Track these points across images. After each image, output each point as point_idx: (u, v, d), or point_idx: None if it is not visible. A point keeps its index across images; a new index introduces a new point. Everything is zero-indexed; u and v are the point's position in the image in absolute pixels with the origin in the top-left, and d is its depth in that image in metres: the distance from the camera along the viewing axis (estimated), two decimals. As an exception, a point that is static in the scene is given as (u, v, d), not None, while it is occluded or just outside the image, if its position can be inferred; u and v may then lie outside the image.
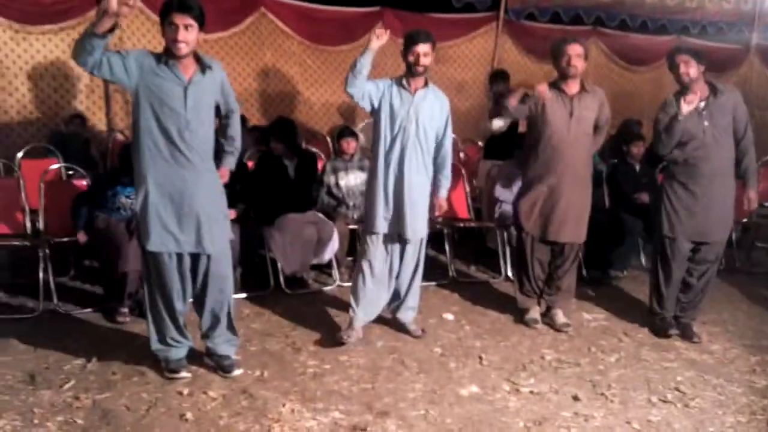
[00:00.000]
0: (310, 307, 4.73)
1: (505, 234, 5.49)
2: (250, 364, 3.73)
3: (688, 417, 3.48)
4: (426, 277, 4.49)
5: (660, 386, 3.80)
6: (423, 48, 3.82)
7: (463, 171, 5.89)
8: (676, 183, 4.34)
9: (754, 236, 6.68)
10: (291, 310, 4.64)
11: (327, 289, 5.10)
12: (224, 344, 3.62)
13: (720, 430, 3.36)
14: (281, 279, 4.93)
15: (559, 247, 4.48)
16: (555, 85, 4.31)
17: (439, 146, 4.03)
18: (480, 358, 4.05)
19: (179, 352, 3.56)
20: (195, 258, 3.38)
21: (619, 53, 8.48)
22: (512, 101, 4.31)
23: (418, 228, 4.02)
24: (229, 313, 3.57)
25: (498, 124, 5.68)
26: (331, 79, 7.13)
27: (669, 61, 4.28)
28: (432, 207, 4.13)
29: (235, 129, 3.67)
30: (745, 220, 6.30)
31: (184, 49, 3.12)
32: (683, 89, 4.24)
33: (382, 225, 3.98)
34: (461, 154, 6.77)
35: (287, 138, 5.04)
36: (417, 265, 4.18)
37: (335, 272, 5.18)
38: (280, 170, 5.04)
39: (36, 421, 3.04)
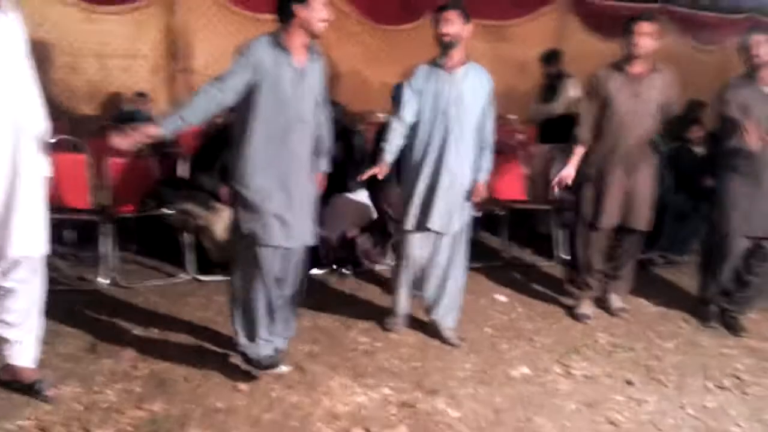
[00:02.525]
0: (364, 285, 4.78)
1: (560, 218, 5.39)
2: (301, 339, 3.79)
3: (744, 403, 3.41)
4: (479, 258, 4.46)
5: (717, 373, 3.72)
6: (447, 14, 3.56)
7: (520, 152, 5.83)
8: (737, 176, 4.14)
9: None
10: (345, 288, 4.71)
11: (380, 267, 5.11)
12: (285, 339, 3.49)
13: (777, 419, 3.28)
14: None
15: (620, 234, 4.32)
16: (618, 66, 4.15)
17: (481, 127, 3.74)
18: (531, 339, 4.04)
19: (268, 348, 3.32)
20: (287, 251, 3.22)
21: (688, 31, 8.18)
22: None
23: (453, 221, 3.76)
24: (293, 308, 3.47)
25: (556, 105, 5.57)
26: (390, 59, 7.09)
27: (740, 41, 4.11)
28: (471, 192, 3.82)
29: (327, 129, 3.38)
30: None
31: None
32: (750, 72, 4.07)
33: (413, 220, 3.76)
34: (520, 136, 6.67)
35: (336, 121, 5.04)
36: (453, 260, 3.86)
37: (388, 250, 5.20)
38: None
39: (96, 389, 3.17)
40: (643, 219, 4.25)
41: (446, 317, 3.94)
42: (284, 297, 3.31)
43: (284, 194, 3.10)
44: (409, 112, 3.69)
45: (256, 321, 3.23)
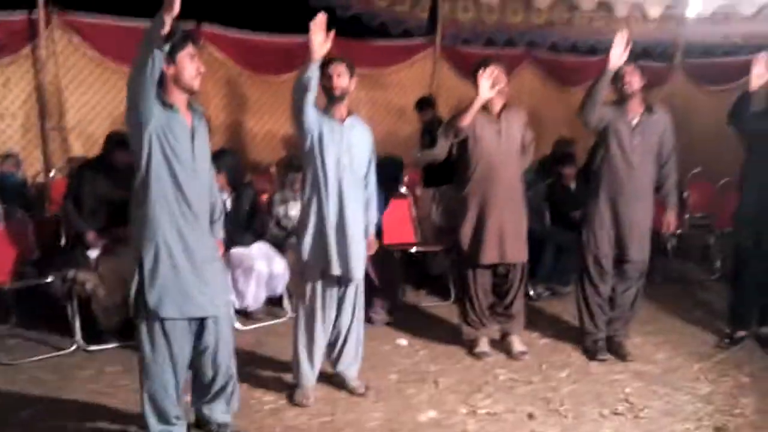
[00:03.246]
0: (263, 341, 4.70)
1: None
2: (205, 404, 3.67)
3: (638, 427, 3.61)
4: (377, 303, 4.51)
5: (610, 399, 3.92)
6: (337, 68, 3.64)
7: (408, 195, 5.98)
8: (600, 200, 4.42)
9: (687, 247, 6.97)
10: (244, 345, 4.59)
11: (279, 321, 5.06)
12: (223, 413, 3.31)
13: (670, 439, 3.50)
14: (232, 314, 4.87)
15: (503, 270, 4.47)
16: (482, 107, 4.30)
17: (367, 182, 3.83)
18: (436, 382, 4.10)
19: (182, 430, 3.15)
20: (202, 322, 3.07)
21: (551, 74, 8.77)
22: (467, 119, 4.22)
23: (360, 267, 3.77)
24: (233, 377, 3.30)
25: (438, 150, 5.76)
26: (273, 109, 7.15)
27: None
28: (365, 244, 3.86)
29: (216, 191, 3.28)
30: (679, 231, 6.57)
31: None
32: (620, 100, 4.35)
33: (322, 266, 3.69)
34: (405, 178, 6.85)
35: (230, 170, 5.00)
36: (356, 309, 3.87)
37: (286, 304, 5.16)
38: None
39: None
40: (519, 251, 4.42)
41: (351, 368, 3.94)
42: (213, 374, 3.15)
43: (188, 261, 2.96)
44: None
45: (167, 405, 3.04)
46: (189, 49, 2.91)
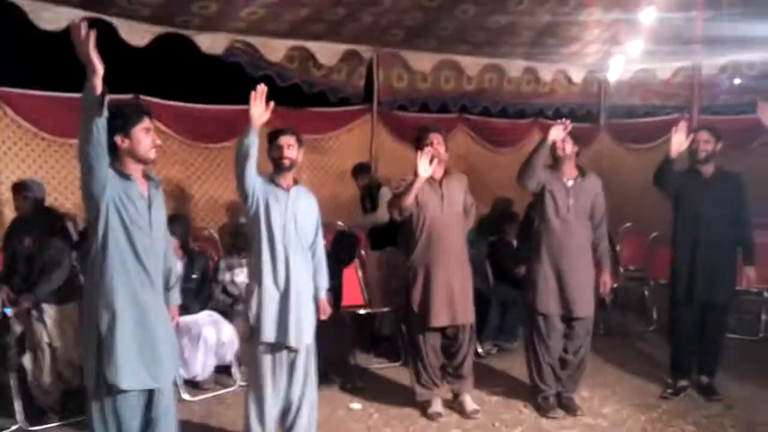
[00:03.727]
0: (213, 411, 4.60)
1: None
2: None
3: (593, 481, 3.67)
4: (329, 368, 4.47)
5: (563, 453, 3.98)
6: (287, 140, 3.74)
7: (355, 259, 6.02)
8: (544, 259, 4.56)
9: (624, 299, 7.21)
10: (192, 416, 4.48)
11: (229, 390, 4.95)
12: None
13: (624, 490, 3.57)
14: (180, 385, 4.74)
15: (452, 331, 4.52)
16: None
17: (314, 248, 3.89)
18: (391, 446, 4.09)
19: None
20: (150, 393, 2.99)
21: (484, 137, 9.07)
22: (410, 198, 4.34)
23: (308, 333, 3.79)
24: None
25: (381, 215, 5.92)
26: (214, 176, 7.13)
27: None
28: (316, 309, 3.89)
29: (171, 258, 3.30)
30: (615, 285, 6.80)
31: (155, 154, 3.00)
32: (555, 164, 4.57)
33: (270, 333, 3.67)
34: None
35: (181, 236, 4.97)
36: (307, 375, 3.83)
37: (235, 372, 5.06)
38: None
39: None
40: (466, 312, 4.50)
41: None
42: None
43: (145, 329, 2.91)
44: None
45: None
46: (144, 123, 2.95)
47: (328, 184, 7.74)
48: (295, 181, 3.85)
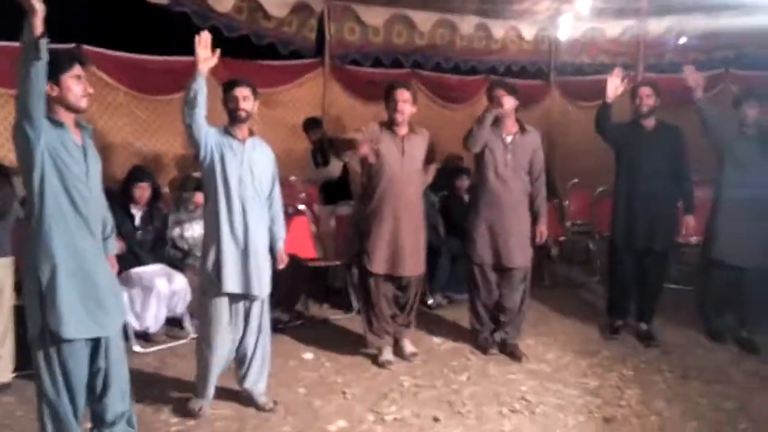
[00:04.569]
0: (164, 363, 4.61)
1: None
2: (109, 430, 3.57)
3: (535, 423, 3.83)
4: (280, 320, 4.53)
5: (508, 398, 4.13)
6: (242, 91, 3.73)
7: (307, 211, 6.04)
8: (480, 212, 4.74)
9: (570, 252, 7.42)
10: (145, 368, 4.49)
11: (179, 343, 4.95)
12: None
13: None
14: (131, 337, 4.73)
15: (404, 281, 4.65)
16: (386, 126, 4.56)
17: (271, 199, 3.93)
18: (343, 392, 4.18)
19: None
20: (96, 343, 2.98)
21: (436, 93, 9.08)
22: (363, 149, 4.44)
23: (265, 284, 3.83)
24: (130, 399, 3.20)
25: (333, 169, 5.95)
26: (162, 129, 6.98)
27: (488, 94, 4.67)
28: (273, 259, 3.96)
29: (106, 207, 3.21)
30: (562, 238, 7.01)
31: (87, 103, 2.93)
32: (496, 120, 4.63)
33: (231, 284, 3.71)
34: (302, 195, 6.92)
35: (151, 185, 4.98)
36: (261, 325, 3.89)
37: (187, 324, 5.06)
38: (127, 224, 4.92)
39: None
40: (417, 265, 4.65)
41: (258, 384, 3.94)
42: (108, 397, 3.04)
43: (86, 279, 2.89)
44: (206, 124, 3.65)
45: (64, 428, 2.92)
46: (75, 70, 2.87)
47: (280, 138, 7.66)
48: (251, 133, 3.85)
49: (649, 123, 4.97)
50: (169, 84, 6.89)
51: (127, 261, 4.74)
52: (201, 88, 3.48)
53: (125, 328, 4.62)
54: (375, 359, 4.67)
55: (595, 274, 6.94)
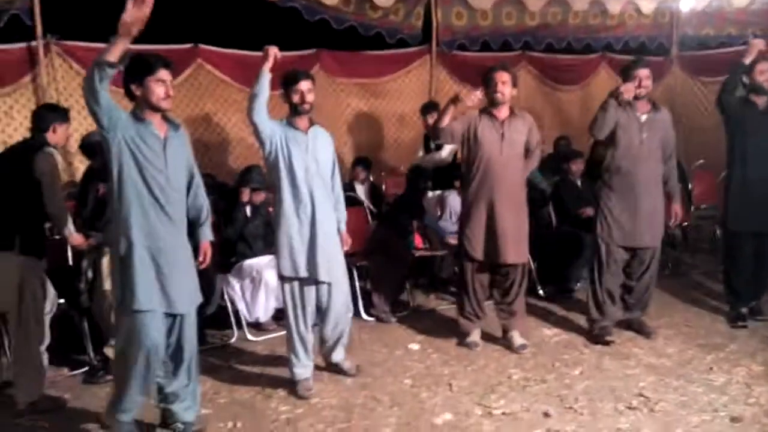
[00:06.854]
0: (275, 351, 4.71)
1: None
2: (221, 417, 3.70)
3: (654, 421, 3.60)
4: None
5: (624, 394, 3.91)
6: (306, 85, 3.87)
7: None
8: (611, 191, 4.61)
9: (695, 238, 6.97)
10: (256, 357, 4.63)
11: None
12: (188, 411, 3.43)
13: (686, 431, 3.49)
14: (244, 327, 4.89)
15: (504, 270, 4.57)
16: (486, 111, 4.48)
17: (333, 184, 4.07)
18: (450, 384, 4.11)
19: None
20: (171, 319, 3.26)
21: (548, 75, 8.76)
22: (445, 120, 4.43)
23: (337, 267, 4.01)
24: (196, 376, 3.47)
25: (443, 154, 5.85)
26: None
27: (623, 75, 4.56)
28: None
29: (204, 196, 3.52)
30: (686, 223, 6.58)
31: (170, 104, 3.19)
32: (624, 102, 4.48)
33: (303, 269, 3.90)
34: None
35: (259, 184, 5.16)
36: (347, 304, 4.13)
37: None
38: (238, 216, 5.09)
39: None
40: (519, 253, 4.55)
41: (339, 352, 4.22)
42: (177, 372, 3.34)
43: (159, 259, 3.14)
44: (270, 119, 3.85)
45: (137, 402, 3.24)
46: (158, 74, 3.13)
47: (387, 128, 7.69)
48: (311, 122, 3.96)
49: (761, 101, 4.73)
50: (279, 79, 7.03)
51: (240, 252, 4.90)
52: (265, 87, 3.74)
53: (237, 316, 4.84)
54: (460, 345, 4.69)
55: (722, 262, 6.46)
